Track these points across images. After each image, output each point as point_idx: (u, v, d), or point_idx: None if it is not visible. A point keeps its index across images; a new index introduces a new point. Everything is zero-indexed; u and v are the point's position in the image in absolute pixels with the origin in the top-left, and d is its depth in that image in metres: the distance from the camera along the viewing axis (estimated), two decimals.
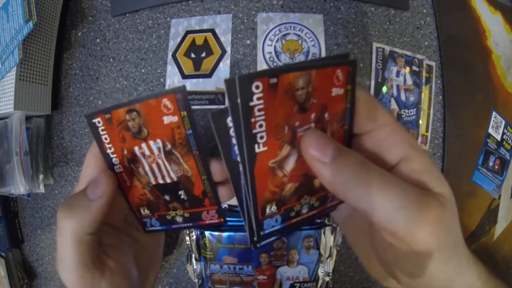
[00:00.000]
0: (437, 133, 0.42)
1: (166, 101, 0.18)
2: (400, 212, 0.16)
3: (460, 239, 0.19)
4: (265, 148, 0.16)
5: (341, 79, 0.17)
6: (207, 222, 0.23)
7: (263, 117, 0.15)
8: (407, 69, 0.41)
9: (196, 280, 0.36)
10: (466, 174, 0.43)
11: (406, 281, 0.20)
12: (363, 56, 0.41)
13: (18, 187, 0.38)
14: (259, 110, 0.15)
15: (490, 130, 0.44)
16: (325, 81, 0.16)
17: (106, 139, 0.20)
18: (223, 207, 0.23)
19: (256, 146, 0.16)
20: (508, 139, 0.45)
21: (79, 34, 0.45)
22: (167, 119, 0.18)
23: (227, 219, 0.33)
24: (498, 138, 0.45)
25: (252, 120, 0.15)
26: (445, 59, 0.42)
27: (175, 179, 0.21)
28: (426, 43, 0.42)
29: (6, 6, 0.39)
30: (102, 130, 0.19)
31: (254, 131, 0.15)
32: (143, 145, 0.20)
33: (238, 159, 0.17)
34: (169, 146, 0.19)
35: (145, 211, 0.23)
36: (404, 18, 0.42)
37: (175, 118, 0.18)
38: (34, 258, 0.47)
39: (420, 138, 0.42)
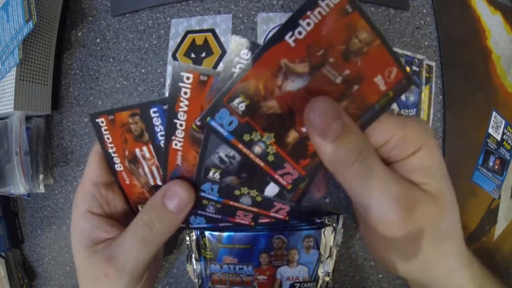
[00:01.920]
0: (437, 133, 0.42)
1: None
2: (376, 202, 0.16)
3: (450, 239, 0.19)
4: (294, 44, 0.16)
5: (391, 78, 0.17)
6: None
7: (316, 20, 0.15)
8: (407, 69, 0.41)
9: (196, 280, 0.36)
10: (466, 174, 0.43)
11: (390, 266, 0.21)
12: None
13: (18, 187, 0.38)
14: (319, 13, 0.15)
15: (490, 130, 0.44)
16: (379, 60, 0.16)
17: (108, 138, 0.20)
18: None
19: (296, 31, 0.15)
20: (508, 139, 0.45)
21: (79, 34, 0.45)
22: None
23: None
24: (498, 138, 0.44)
25: (308, 13, 0.15)
26: (445, 59, 0.42)
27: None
28: (426, 43, 0.42)
29: (6, 6, 0.39)
30: (105, 130, 0.20)
31: (302, 21, 0.15)
32: (144, 148, 0.20)
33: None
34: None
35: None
36: (404, 18, 0.42)
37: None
38: (34, 258, 0.47)
39: None
